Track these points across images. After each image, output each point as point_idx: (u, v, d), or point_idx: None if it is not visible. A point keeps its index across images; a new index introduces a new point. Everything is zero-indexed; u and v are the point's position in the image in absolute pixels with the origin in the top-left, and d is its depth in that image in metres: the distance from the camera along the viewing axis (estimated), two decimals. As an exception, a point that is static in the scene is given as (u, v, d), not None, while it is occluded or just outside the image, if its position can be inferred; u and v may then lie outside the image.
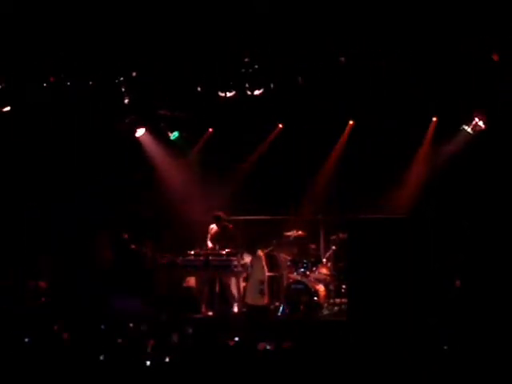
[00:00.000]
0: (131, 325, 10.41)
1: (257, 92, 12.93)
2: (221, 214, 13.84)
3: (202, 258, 13.50)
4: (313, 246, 14.28)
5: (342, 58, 12.29)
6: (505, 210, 13.21)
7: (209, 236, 14.02)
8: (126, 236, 13.62)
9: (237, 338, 9.63)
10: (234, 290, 13.49)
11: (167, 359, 8.53)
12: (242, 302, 13.44)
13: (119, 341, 9.23)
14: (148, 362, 8.30)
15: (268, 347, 9.49)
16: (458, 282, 12.02)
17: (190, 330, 10.10)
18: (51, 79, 13.30)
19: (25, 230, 14.10)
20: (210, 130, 15.80)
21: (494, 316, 10.71)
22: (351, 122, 14.95)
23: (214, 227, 13.95)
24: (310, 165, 15.17)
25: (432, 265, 11.23)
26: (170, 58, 12.79)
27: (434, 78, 12.75)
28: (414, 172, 14.53)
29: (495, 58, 12.18)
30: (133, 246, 13.59)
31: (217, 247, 13.71)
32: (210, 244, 13.94)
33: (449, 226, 12.45)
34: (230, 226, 13.90)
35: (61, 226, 14.16)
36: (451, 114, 13.86)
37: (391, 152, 14.29)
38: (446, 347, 8.74)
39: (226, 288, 13.57)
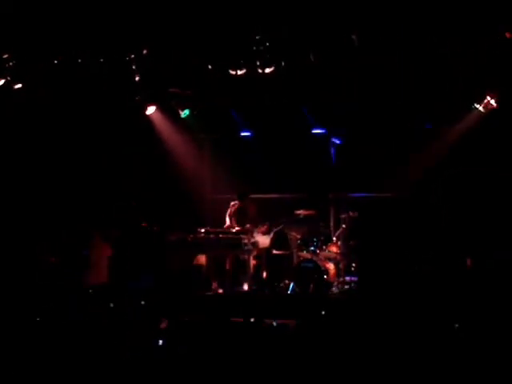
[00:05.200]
0: (143, 302, 10.47)
1: (268, 70, 12.86)
2: (246, 191, 13.89)
3: (212, 236, 13.53)
4: (323, 225, 14.30)
5: (354, 36, 12.21)
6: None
7: (228, 212, 14.03)
8: (135, 214, 13.63)
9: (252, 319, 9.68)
10: (244, 268, 13.54)
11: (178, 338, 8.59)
12: (251, 279, 13.49)
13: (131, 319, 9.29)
14: (160, 341, 8.35)
15: (275, 324, 9.57)
16: (469, 261, 12.02)
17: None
18: (60, 58, 13.27)
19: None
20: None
21: (505, 294, 10.74)
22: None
23: (236, 203, 13.96)
24: (320, 143, 15.17)
25: (443, 244, 11.25)
26: (181, 36, 12.72)
27: (446, 56, 12.71)
28: (425, 151, 14.50)
29: (508, 35, 12.12)
30: (143, 224, 13.59)
31: (234, 224, 13.74)
32: (227, 220, 13.96)
33: (460, 205, 12.44)
34: (252, 204, 13.94)
35: (72, 201, 14.18)
36: (463, 92, 13.79)
37: (401, 131, 14.30)
38: (457, 325, 8.78)
39: (236, 266, 13.62)
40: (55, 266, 13.45)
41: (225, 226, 13.90)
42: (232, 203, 14.05)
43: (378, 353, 8.08)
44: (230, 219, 13.97)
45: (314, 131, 15.30)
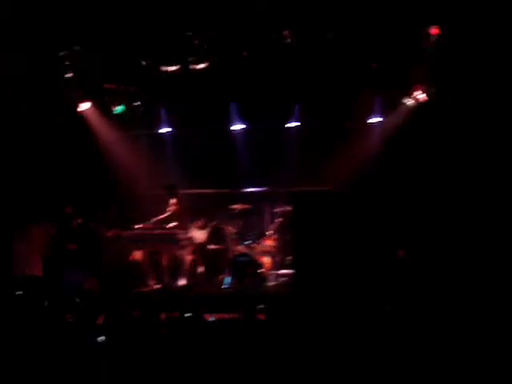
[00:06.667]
0: (78, 300, 10.42)
1: (200, 66, 12.91)
2: (171, 185, 13.90)
3: (148, 232, 13.53)
4: (258, 219, 14.41)
5: (286, 32, 12.35)
6: (447, 181, 13.49)
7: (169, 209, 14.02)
8: (70, 210, 13.49)
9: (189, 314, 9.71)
10: (181, 263, 13.57)
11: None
12: (188, 274, 13.53)
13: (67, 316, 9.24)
14: (100, 338, 8.34)
15: (213, 319, 9.62)
16: (401, 252, 12.27)
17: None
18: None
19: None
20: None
21: (437, 280, 11.03)
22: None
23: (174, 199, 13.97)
24: (257, 139, 15.28)
25: (375, 236, 11.43)
26: (114, 31, 12.68)
27: (376, 50, 12.93)
28: (358, 145, 14.72)
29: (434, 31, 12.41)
30: (79, 220, 13.49)
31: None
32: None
33: (392, 198, 12.66)
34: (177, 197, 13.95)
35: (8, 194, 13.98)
36: (394, 86, 14.03)
37: (336, 126, 14.50)
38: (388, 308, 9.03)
39: (172, 261, 13.64)
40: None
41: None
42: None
43: (319, 343, 8.21)
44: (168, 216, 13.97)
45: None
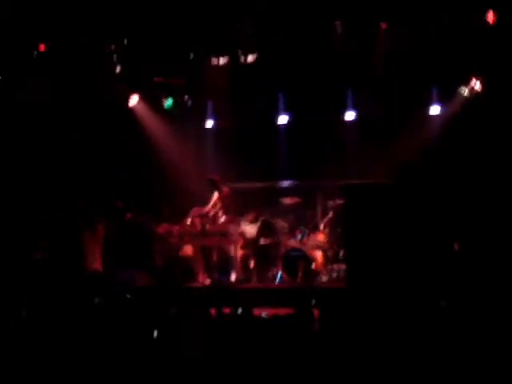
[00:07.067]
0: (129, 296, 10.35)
1: (250, 58, 12.78)
2: (215, 177, 13.74)
3: (198, 227, 13.43)
4: (310, 213, 14.22)
5: (338, 23, 12.17)
6: (500, 174, 13.18)
7: (211, 202, 13.88)
8: (121, 205, 13.48)
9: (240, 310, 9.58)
10: (232, 258, 13.44)
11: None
12: (239, 270, 13.40)
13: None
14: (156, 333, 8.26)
15: (265, 315, 9.48)
16: (456, 246, 12.01)
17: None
18: (41, 48, 13.13)
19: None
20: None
21: (493, 276, 10.76)
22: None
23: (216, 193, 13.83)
24: (306, 131, 15.09)
25: (430, 229, 11.18)
26: (161, 24, 12.63)
27: (431, 40, 12.69)
28: (408, 137, 14.43)
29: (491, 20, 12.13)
30: (128, 216, 13.47)
31: (217, 213, 13.63)
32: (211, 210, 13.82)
33: (445, 191, 12.39)
34: (226, 190, 13.80)
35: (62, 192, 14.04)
36: (449, 76, 13.75)
37: (391, 116, 14.26)
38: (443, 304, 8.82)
39: (223, 256, 13.53)
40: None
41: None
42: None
43: (374, 341, 8.02)
44: (214, 209, 13.81)
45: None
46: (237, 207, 13.88)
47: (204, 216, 13.64)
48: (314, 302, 10.32)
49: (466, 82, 14.00)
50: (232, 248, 13.48)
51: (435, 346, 7.83)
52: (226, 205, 13.71)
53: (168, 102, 15.10)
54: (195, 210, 13.82)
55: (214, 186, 13.72)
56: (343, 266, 12.85)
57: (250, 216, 13.95)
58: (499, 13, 12.29)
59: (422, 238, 11.12)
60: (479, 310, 8.62)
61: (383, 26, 12.77)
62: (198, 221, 13.55)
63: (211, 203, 13.73)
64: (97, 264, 12.55)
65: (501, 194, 12.99)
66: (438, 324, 8.34)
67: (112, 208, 13.37)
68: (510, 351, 7.58)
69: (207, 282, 13.29)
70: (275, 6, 12.38)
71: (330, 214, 13.75)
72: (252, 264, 13.63)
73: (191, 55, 13.43)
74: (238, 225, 13.64)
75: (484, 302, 9.12)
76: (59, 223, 12.99)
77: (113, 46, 13.20)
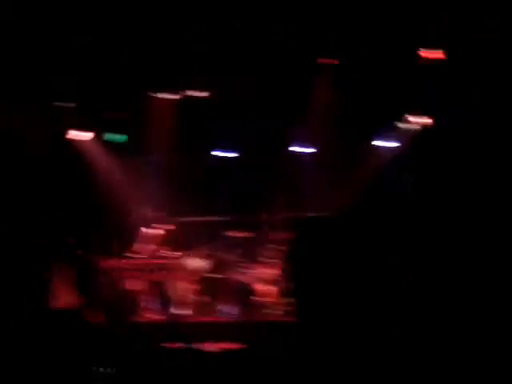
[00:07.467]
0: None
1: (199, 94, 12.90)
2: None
3: (146, 261, 13.38)
4: (258, 247, 14.28)
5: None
6: (451, 202, 13.41)
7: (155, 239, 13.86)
8: (73, 241, 13.39)
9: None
10: (180, 293, 13.40)
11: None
12: (187, 304, 13.35)
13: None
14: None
15: (213, 349, 9.52)
16: (410, 277, 12.15)
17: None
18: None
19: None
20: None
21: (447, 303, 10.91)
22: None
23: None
24: (254, 162, 15.22)
25: (381, 260, 11.31)
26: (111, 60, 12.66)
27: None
28: (358, 171, 14.64)
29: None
30: (79, 252, 13.37)
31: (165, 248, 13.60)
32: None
33: (397, 222, 12.57)
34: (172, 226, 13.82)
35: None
36: (390, 112, 14.02)
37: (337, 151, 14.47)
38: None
39: (170, 291, 13.47)
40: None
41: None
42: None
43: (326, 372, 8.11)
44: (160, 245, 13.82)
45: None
46: (184, 241, 13.87)
47: (152, 251, 13.62)
48: (262, 335, 10.40)
49: (410, 117, 14.29)
50: (179, 283, 13.41)
51: (390, 374, 7.94)
52: (174, 239, 13.70)
53: (116, 136, 15.08)
54: (143, 245, 13.79)
55: (160, 220, 13.74)
56: (292, 300, 12.92)
57: (198, 250, 13.98)
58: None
59: (372, 269, 11.25)
60: (432, 337, 8.74)
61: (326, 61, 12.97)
62: (146, 255, 13.51)
63: (154, 239, 13.74)
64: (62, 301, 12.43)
65: (453, 220, 13.19)
66: (393, 352, 8.45)
67: (64, 245, 13.28)
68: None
69: (155, 317, 13.20)
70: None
71: (278, 248, 13.82)
72: (200, 298, 13.63)
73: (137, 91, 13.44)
74: (186, 259, 13.61)
75: (438, 328, 9.25)
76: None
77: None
